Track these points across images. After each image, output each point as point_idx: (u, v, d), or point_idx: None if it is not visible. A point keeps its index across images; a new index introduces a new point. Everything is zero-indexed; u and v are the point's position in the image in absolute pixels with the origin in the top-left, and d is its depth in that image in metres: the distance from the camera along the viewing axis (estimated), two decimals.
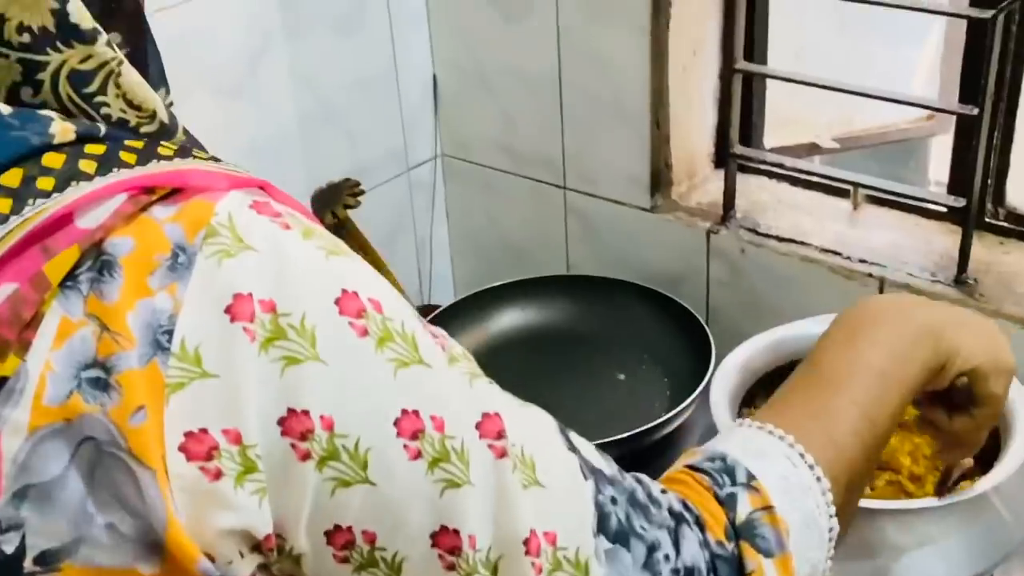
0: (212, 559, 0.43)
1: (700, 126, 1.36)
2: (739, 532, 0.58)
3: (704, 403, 1.07)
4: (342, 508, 0.45)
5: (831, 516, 0.62)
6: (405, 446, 0.46)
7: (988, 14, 1.02)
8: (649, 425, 1.08)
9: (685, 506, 0.58)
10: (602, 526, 0.53)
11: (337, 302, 0.45)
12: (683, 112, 1.33)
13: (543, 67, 1.36)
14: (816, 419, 0.64)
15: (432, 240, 1.58)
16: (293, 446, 0.44)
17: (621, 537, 0.54)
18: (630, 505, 0.55)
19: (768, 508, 0.59)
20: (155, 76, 0.51)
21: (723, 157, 1.34)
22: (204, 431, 0.42)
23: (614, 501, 0.54)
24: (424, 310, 1.45)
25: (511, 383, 1.26)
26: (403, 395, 0.46)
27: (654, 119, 1.31)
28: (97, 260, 0.43)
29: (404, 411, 0.46)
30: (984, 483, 0.89)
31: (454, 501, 0.47)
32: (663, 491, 0.58)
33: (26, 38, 0.45)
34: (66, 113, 0.47)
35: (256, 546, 0.44)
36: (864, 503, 0.87)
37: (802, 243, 1.23)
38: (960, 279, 1.13)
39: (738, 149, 1.26)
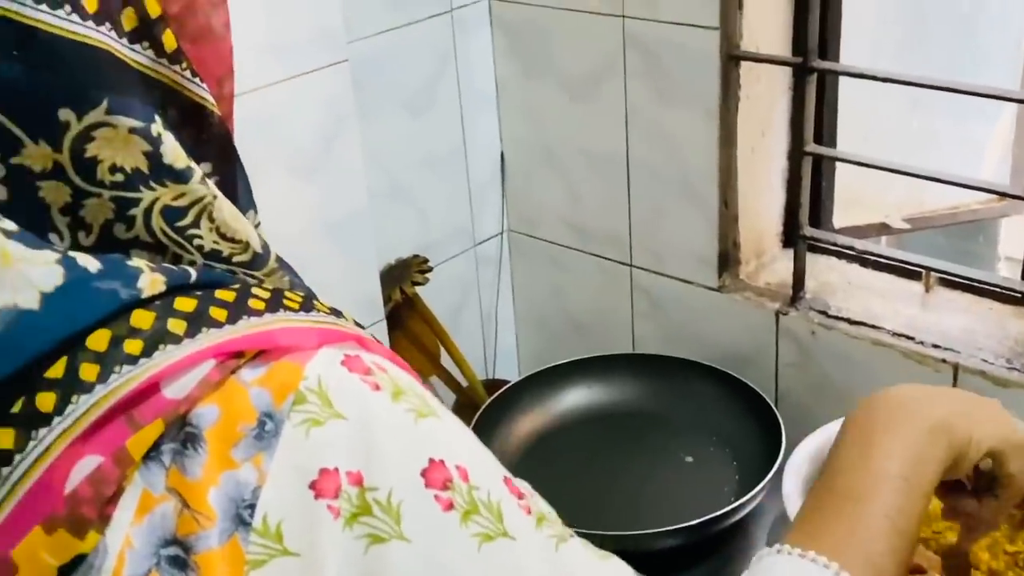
0: None
1: (768, 206, 1.36)
2: None
3: (774, 488, 1.05)
4: None
5: None
6: None
7: None
8: (718, 512, 1.07)
9: None
10: None
11: (424, 473, 0.44)
12: (751, 192, 1.33)
13: (611, 146, 1.37)
14: (851, 539, 0.62)
15: (498, 315, 1.59)
16: None
17: None
18: None
19: None
20: (243, 199, 0.52)
21: (792, 237, 1.33)
22: None
23: None
24: (489, 384, 1.45)
25: (576, 462, 1.26)
26: (486, 572, 0.45)
27: (722, 198, 1.31)
28: (181, 431, 0.42)
29: None
30: None
31: None
32: None
33: (119, 177, 0.45)
34: (159, 247, 0.47)
35: None
36: None
37: (873, 326, 1.22)
38: None
39: (808, 231, 1.26)
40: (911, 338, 1.19)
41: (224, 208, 0.48)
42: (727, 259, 1.34)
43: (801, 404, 1.29)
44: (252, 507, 0.41)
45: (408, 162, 1.39)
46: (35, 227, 0.43)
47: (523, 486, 0.50)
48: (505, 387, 1.34)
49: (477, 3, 1.40)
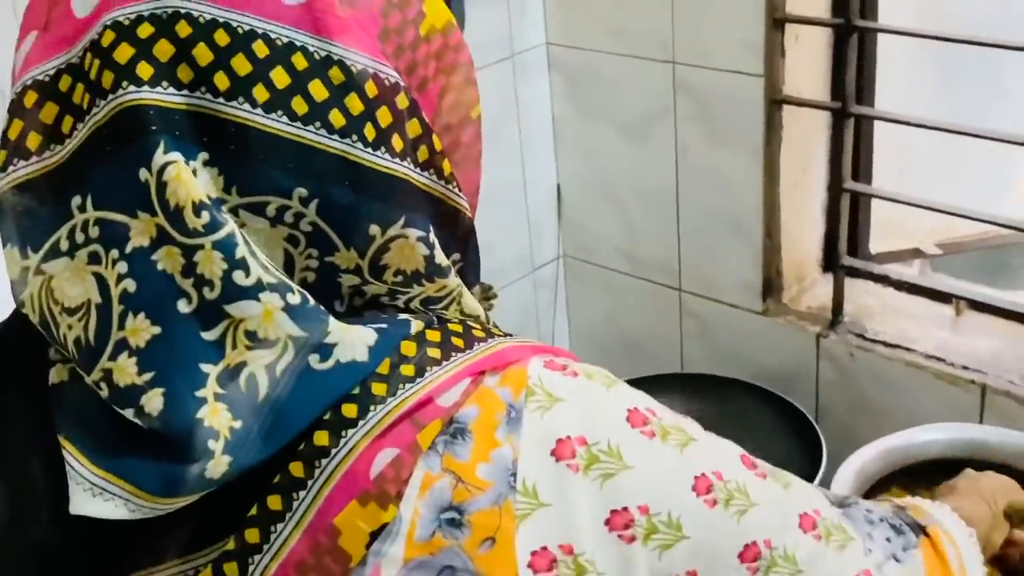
0: None
1: (809, 235, 1.46)
2: (903, 506, 0.76)
3: None
4: (669, 565, 0.57)
5: (978, 550, 0.78)
6: (704, 501, 0.59)
7: None
8: None
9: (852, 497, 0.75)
10: (829, 501, 0.69)
11: (627, 419, 0.58)
12: (793, 223, 1.43)
13: (662, 181, 1.48)
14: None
15: (554, 336, 1.70)
16: (619, 536, 0.56)
17: (843, 504, 0.71)
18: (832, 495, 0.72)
19: (936, 523, 0.75)
20: (474, 275, 0.65)
21: (831, 263, 1.43)
22: (545, 548, 0.54)
23: (819, 488, 0.71)
24: None
25: None
26: (691, 466, 0.59)
27: (766, 230, 1.41)
28: (450, 426, 0.54)
29: (695, 477, 0.59)
30: None
31: (749, 522, 0.60)
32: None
33: (399, 278, 0.57)
34: (408, 311, 0.60)
35: None
36: None
37: (908, 349, 1.32)
38: None
39: (847, 260, 1.36)
40: (942, 360, 1.29)
41: (467, 297, 0.62)
42: (770, 285, 1.44)
43: (841, 421, 1.39)
44: (514, 475, 0.54)
45: None
46: (328, 298, 0.56)
47: (688, 419, 0.64)
48: None
49: (536, 48, 1.51)
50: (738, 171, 1.39)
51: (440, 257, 0.58)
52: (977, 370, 1.26)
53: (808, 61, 1.34)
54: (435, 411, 0.54)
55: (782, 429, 1.36)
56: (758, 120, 1.34)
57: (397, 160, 0.56)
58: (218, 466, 0.52)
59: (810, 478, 1.23)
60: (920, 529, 0.74)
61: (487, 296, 1.52)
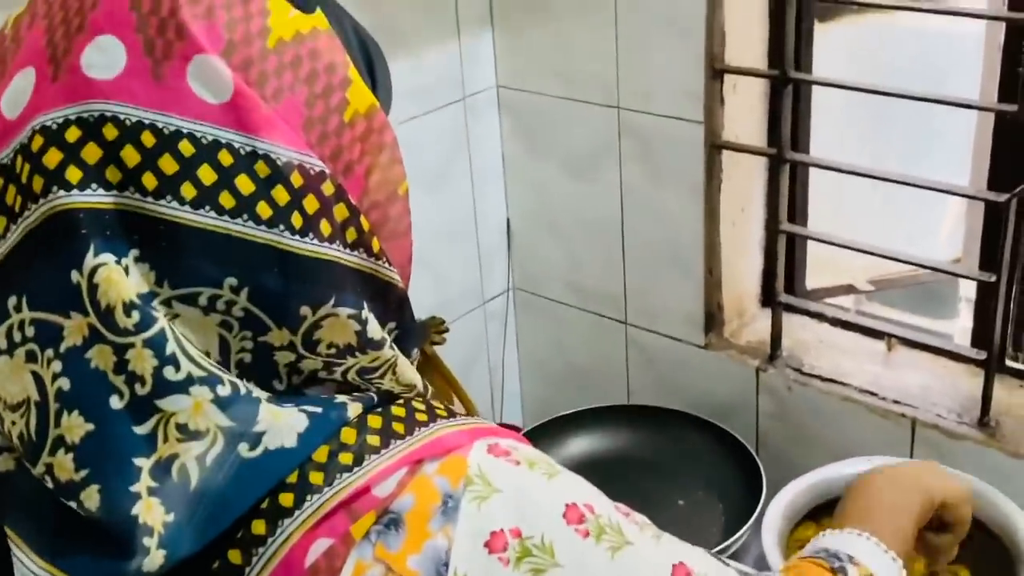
0: None
1: (748, 271, 1.52)
2: None
3: (756, 530, 1.21)
4: None
5: None
6: None
7: (1003, 198, 1.17)
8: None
9: None
10: None
11: (564, 515, 0.59)
12: (733, 260, 1.49)
13: (607, 217, 1.53)
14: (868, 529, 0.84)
15: (504, 366, 1.75)
16: None
17: None
18: None
19: (870, 574, 0.79)
20: (411, 343, 0.66)
21: (769, 299, 1.49)
22: None
23: None
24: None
25: None
26: (620, 570, 0.61)
27: (707, 267, 1.47)
28: (384, 516, 0.57)
29: None
30: None
31: None
32: (789, 570, 0.79)
33: (332, 351, 0.60)
34: (347, 386, 0.62)
35: None
36: None
37: (842, 383, 1.38)
38: (983, 422, 1.27)
39: (783, 298, 1.42)
40: (874, 394, 1.35)
41: (403, 364, 0.64)
42: (712, 319, 1.50)
43: (780, 452, 1.45)
44: (447, 565, 0.56)
45: (425, 232, 1.54)
46: (266, 375, 0.59)
47: (623, 506, 0.66)
48: None
49: (487, 91, 1.56)
50: (680, 210, 1.44)
51: (373, 331, 0.61)
52: (907, 404, 1.33)
53: (746, 109, 1.40)
54: (371, 501, 0.57)
55: (723, 459, 1.42)
56: (698, 163, 1.39)
57: (326, 244, 0.58)
58: (154, 560, 0.54)
59: (751, 507, 1.29)
60: None
61: (439, 330, 1.57)
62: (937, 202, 1.63)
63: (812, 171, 1.47)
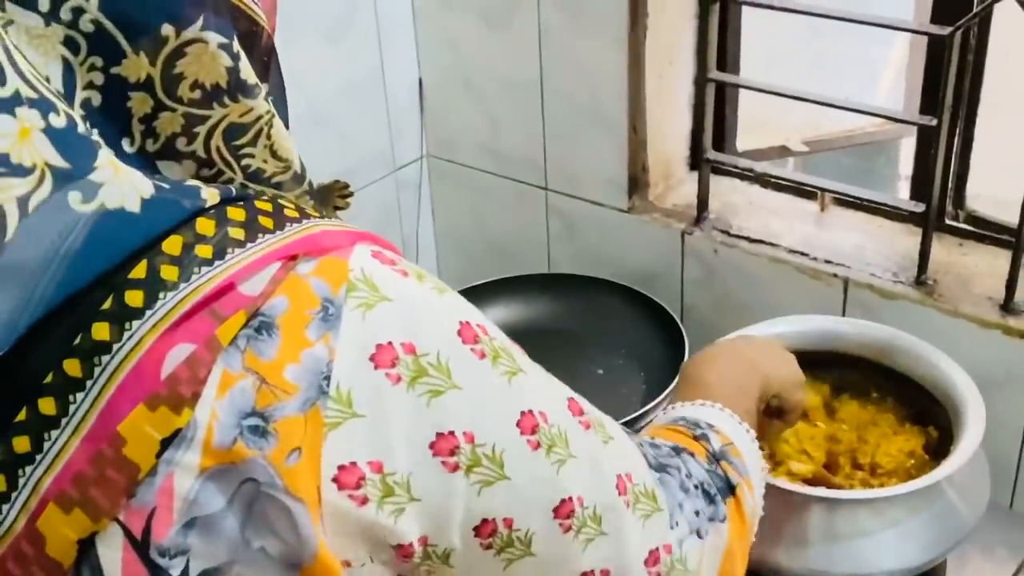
0: (348, 564, 0.50)
1: (676, 131, 1.42)
2: (718, 457, 0.74)
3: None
4: (487, 504, 0.53)
5: (761, 456, 0.80)
6: (528, 441, 0.55)
7: (946, 31, 1.08)
8: (626, 418, 1.15)
9: (675, 444, 0.73)
10: (648, 463, 0.67)
11: (459, 333, 0.53)
12: (659, 118, 1.39)
13: (526, 73, 1.42)
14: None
15: (418, 238, 1.64)
16: (443, 463, 0.51)
17: (661, 468, 0.68)
18: (650, 447, 0.69)
19: (730, 443, 0.76)
20: (283, 114, 0.57)
21: (697, 160, 1.40)
22: (354, 464, 0.48)
23: (641, 445, 0.68)
24: None
25: None
26: (519, 400, 0.55)
27: (631, 124, 1.36)
28: (254, 319, 0.48)
29: (522, 412, 0.55)
30: (938, 473, 0.96)
31: (567, 475, 0.57)
32: (654, 439, 0.73)
33: (197, 94, 0.50)
34: (208, 163, 0.52)
35: (388, 554, 0.51)
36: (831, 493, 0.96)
37: (771, 244, 1.30)
38: (920, 280, 1.20)
39: (711, 155, 1.32)
40: (805, 254, 1.27)
41: (278, 127, 0.54)
42: (636, 182, 1.40)
43: (705, 319, 1.36)
44: (328, 378, 0.48)
45: (327, 88, 1.42)
46: (116, 131, 0.49)
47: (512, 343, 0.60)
48: None
49: None
50: (602, 61, 1.33)
51: (247, 72, 0.51)
52: (840, 263, 1.25)
53: None
54: (238, 300, 0.48)
55: (647, 326, 1.34)
56: (622, 5, 1.28)
57: None
58: None
59: (673, 372, 1.21)
60: (731, 490, 0.72)
61: (342, 194, 1.45)
62: (876, 58, 1.54)
63: (745, 25, 1.37)
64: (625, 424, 1.14)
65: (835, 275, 1.24)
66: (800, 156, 1.65)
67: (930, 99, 1.19)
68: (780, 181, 1.36)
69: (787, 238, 1.30)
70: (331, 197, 1.48)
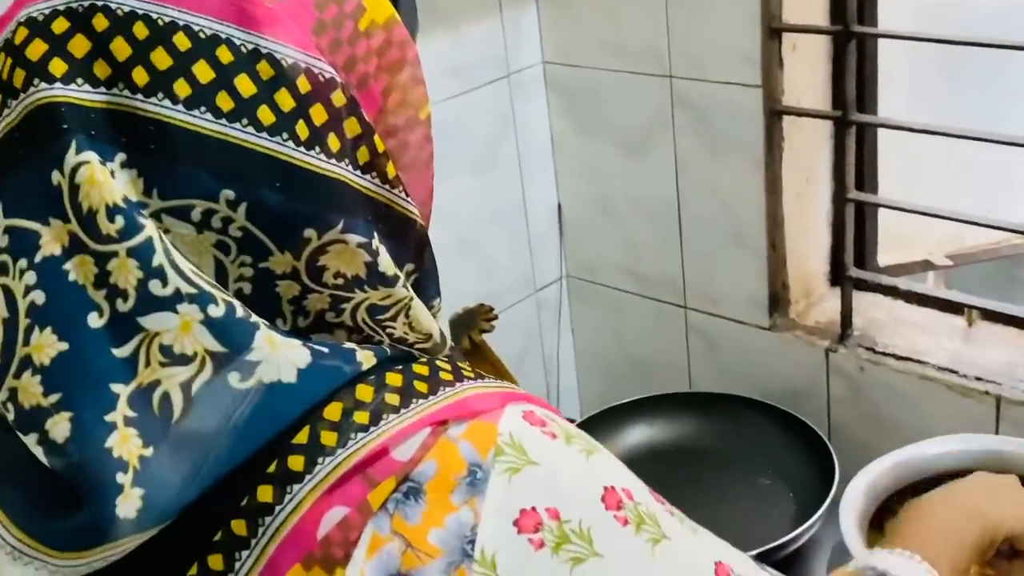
0: None
1: (815, 247, 1.43)
2: None
3: (830, 519, 1.12)
4: None
5: None
6: None
7: None
8: (778, 542, 1.14)
9: None
10: None
11: (602, 499, 0.54)
12: (798, 235, 1.40)
13: (663, 196, 1.46)
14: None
15: (559, 357, 1.67)
16: None
17: None
18: None
19: None
20: (432, 288, 0.61)
21: (838, 276, 1.40)
22: None
23: None
24: None
25: None
26: (660, 568, 0.55)
27: (771, 242, 1.38)
28: (403, 484, 0.51)
29: None
30: None
31: None
32: None
33: (340, 281, 0.54)
34: (357, 331, 0.56)
35: None
36: None
37: (919, 361, 1.28)
38: None
39: (853, 272, 1.33)
40: (955, 371, 1.25)
41: (418, 308, 0.58)
42: (777, 299, 1.41)
43: (853, 437, 1.35)
44: (472, 542, 0.50)
45: (473, 218, 1.48)
46: (268, 313, 0.53)
47: (658, 495, 0.60)
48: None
49: (533, 67, 1.49)
50: (740, 184, 1.36)
51: (385, 265, 0.55)
52: (991, 380, 1.23)
53: (807, 70, 1.32)
54: (389, 465, 0.50)
55: (793, 447, 1.33)
56: (758, 131, 1.31)
57: (333, 161, 0.53)
58: (128, 500, 0.48)
59: (824, 493, 1.20)
60: None
61: (487, 317, 1.50)
62: (1016, 170, 1.53)
63: (881, 140, 1.38)
64: (778, 548, 1.15)
65: (987, 392, 1.22)
66: (944, 270, 1.64)
67: None
68: (925, 296, 1.35)
69: (935, 355, 1.29)
70: (476, 320, 1.54)
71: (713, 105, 1.34)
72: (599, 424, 1.42)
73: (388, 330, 0.57)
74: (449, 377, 0.55)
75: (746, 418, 1.39)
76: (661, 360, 1.57)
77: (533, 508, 0.51)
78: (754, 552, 1.13)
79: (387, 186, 0.56)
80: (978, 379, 1.23)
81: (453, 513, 0.50)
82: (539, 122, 1.53)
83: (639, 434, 1.43)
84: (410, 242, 0.58)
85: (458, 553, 0.50)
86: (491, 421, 0.53)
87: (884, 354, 1.31)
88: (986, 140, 1.15)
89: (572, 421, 1.43)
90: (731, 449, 1.38)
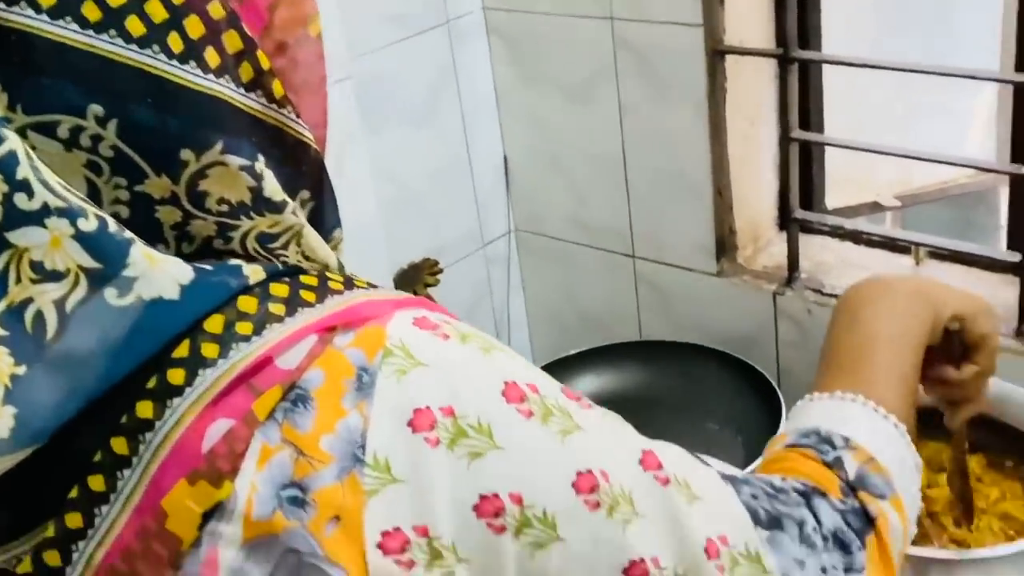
0: None
1: (762, 192, 1.42)
2: (854, 487, 0.67)
3: None
4: (542, 567, 0.52)
5: (915, 453, 0.72)
6: (585, 501, 0.53)
7: None
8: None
9: (804, 484, 0.66)
10: (756, 519, 0.61)
11: (503, 394, 0.52)
12: (745, 179, 1.38)
13: (608, 144, 1.43)
14: (861, 382, 0.74)
15: (510, 312, 1.65)
16: (489, 525, 0.51)
17: (774, 523, 0.62)
18: (768, 497, 0.63)
19: (871, 460, 0.69)
20: (331, 218, 0.59)
21: (786, 221, 1.39)
22: (397, 529, 0.49)
23: (755, 497, 0.62)
24: None
25: None
26: (573, 459, 0.53)
27: (716, 188, 1.36)
28: (291, 392, 0.49)
29: (579, 472, 0.53)
30: None
31: (636, 535, 0.54)
32: (782, 479, 0.66)
33: (224, 208, 0.52)
34: (249, 258, 0.53)
35: None
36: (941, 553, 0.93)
37: None
38: (1021, 331, 1.16)
39: (799, 213, 1.31)
40: None
41: (310, 236, 0.55)
42: (724, 245, 1.40)
43: (802, 380, 1.34)
44: (363, 447, 0.49)
45: (416, 172, 1.46)
46: (149, 239, 0.51)
47: (578, 392, 0.58)
48: None
49: (472, 13, 1.46)
50: (684, 128, 1.34)
51: (271, 190, 0.53)
52: None
53: (749, 8, 1.29)
54: (274, 374, 0.49)
55: (741, 392, 1.32)
56: (700, 73, 1.29)
57: (211, 77, 0.50)
58: (1, 419, 0.46)
59: (771, 437, 1.18)
60: (870, 524, 0.66)
61: (432, 271, 1.48)
62: (965, 109, 1.52)
63: (827, 79, 1.36)
64: None
65: None
66: (896, 211, 1.63)
67: (1020, 148, 1.17)
68: (872, 237, 1.34)
69: None
70: (421, 274, 1.51)
71: (655, 47, 1.32)
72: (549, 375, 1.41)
73: (282, 259, 0.55)
74: (339, 287, 0.54)
75: (696, 365, 1.38)
76: (612, 311, 1.56)
77: (427, 407, 0.50)
78: None
79: (275, 106, 0.53)
80: None
81: (343, 418, 0.49)
82: (482, 71, 1.50)
83: (588, 385, 1.41)
84: (304, 167, 0.56)
85: (349, 458, 0.48)
86: (380, 325, 0.52)
87: (831, 295, 1.30)
88: (926, 72, 1.13)
89: None
90: (680, 396, 1.37)
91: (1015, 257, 1.15)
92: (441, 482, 0.50)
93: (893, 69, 1.17)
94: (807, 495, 0.65)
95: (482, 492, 0.50)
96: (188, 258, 0.52)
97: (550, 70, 1.45)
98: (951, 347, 0.81)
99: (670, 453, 0.60)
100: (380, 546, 0.49)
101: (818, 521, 0.64)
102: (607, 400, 1.41)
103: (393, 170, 1.41)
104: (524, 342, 1.69)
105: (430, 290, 1.44)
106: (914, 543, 0.95)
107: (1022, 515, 1.03)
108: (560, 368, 1.41)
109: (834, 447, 0.69)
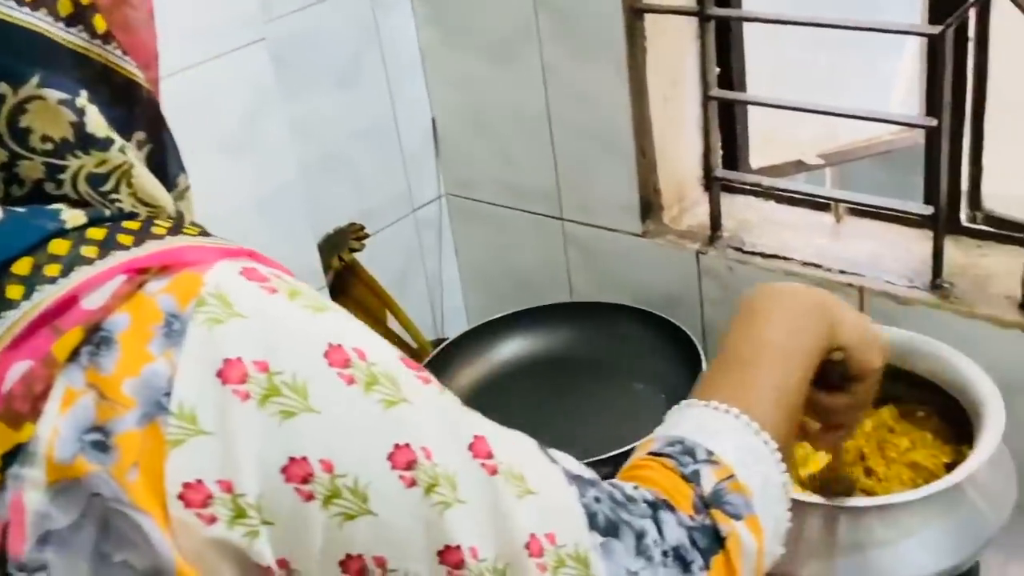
0: None
1: (686, 152, 1.42)
2: (708, 503, 0.64)
3: None
4: (349, 539, 0.51)
5: (783, 472, 0.69)
6: (401, 477, 0.51)
7: (937, 30, 1.07)
8: (643, 441, 1.13)
9: (656, 496, 0.64)
10: (593, 523, 0.59)
11: (325, 355, 0.51)
12: (668, 140, 1.39)
13: (533, 106, 1.43)
14: (738, 395, 0.71)
15: (442, 276, 1.65)
16: (296, 490, 0.49)
17: (611, 530, 0.59)
18: (612, 502, 0.61)
19: (730, 477, 0.66)
20: (173, 164, 0.58)
21: (709, 180, 1.39)
22: (200, 482, 0.48)
23: (598, 500, 0.60)
24: (438, 344, 1.51)
25: (519, 407, 1.33)
26: (394, 431, 0.52)
27: (640, 148, 1.36)
28: (95, 334, 0.48)
29: (396, 445, 0.52)
30: (958, 474, 0.93)
31: (453, 521, 0.53)
32: (635, 487, 0.64)
33: (49, 146, 0.51)
34: (83, 203, 0.52)
35: (255, 573, 0.50)
36: (850, 501, 0.94)
37: (785, 258, 1.28)
38: (935, 283, 1.18)
39: (720, 172, 1.32)
40: (819, 265, 1.25)
41: (143, 175, 0.54)
42: (650, 205, 1.40)
43: None
44: (168, 395, 0.48)
45: (340, 134, 1.45)
46: None
47: (416, 365, 0.56)
48: (446, 342, 1.40)
49: None
50: (606, 88, 1.34)
51: (95, 126, 0.52)
52: (854, 272, 1.23)
53: None
54: (77, 315, 0.48)
55: (665, 351, 1.33)
56: (619, 32, 1.29)
57: (27, 11, 0.50)
58: None
59: None
60: (720, 544, 0.63)
61: (357, 236, 1.47)
62: (887, 69, 1.53)
63: (750, 45, 1.37)
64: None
65: (850, 284, 1.22)
66: (825, 170, 1.64)
67: (933, 101, 1.18)
68: (794, 195, 1.35)
69: (801, 251, 1.29)
70: (346, 240, 1.50)
71: (575, 5, 1.32)
72: (478, 338, 1.41)
73: (117, 204, 0.54)
74: (162, 232, 0.53)
75: (622, 325, 1.39)
76: (543, 273, 1.56)
77: (239, 359, 0.49)
78: (620, 450, 1.12)
79: (98, 41, 0.53)
80: (842, 272, 1.24)
81: (149, 363, 0.48)
82: (405, 33, 1.49)
83: (516, 346, 1.42)
84: (136, 108, 0.55)
85: (152, 405, 0.48)
86: (198, 272, 0.51)
87: (752, 253, 1.31)
88: (842, 27, 1.14)
89: (446, 339, 1.41)
90: (607, 356, 1.37)
91: (928, 210, 1.16)
92: (249, 438, 0.49)
93: (810, 25, 1.18)
94: (655, 506, 0.63)
95: (291, 454, 0.49)
96: (18, 202, 0.51)
97: (473, 29, 1.44)
98: (829, 374, 0.79)
99: (510, 444, 0.59)
100: (181, 497, 0.48)
101: (661, 534, 0.61)
102: (538, 361, 1.42)
103: (317, 134, 1.40)
104: (459, 306, 1.69)
105: (363, 256, 1.44)
106: (821, 491, 0.98)
107: (931, 464, 1.04)
108: (488, 331, 1.42)
109: (695, 459, 0.66)
